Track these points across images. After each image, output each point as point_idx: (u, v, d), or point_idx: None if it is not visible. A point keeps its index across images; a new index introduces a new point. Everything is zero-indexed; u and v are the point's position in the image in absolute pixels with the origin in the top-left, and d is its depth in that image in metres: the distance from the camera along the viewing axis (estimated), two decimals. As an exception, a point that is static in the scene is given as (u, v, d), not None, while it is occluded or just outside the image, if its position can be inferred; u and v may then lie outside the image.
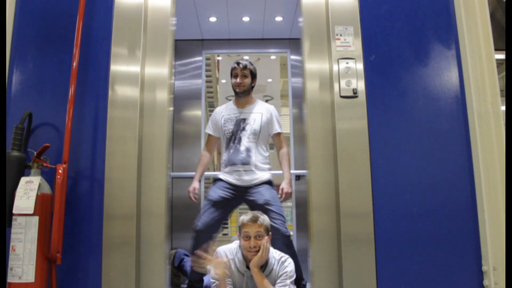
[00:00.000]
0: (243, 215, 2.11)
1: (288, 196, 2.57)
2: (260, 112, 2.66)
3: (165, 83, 2.16)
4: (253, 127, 2.61)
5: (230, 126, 2.65)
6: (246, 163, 2.56)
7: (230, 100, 2.85)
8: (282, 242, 2.37)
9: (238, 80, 2.64)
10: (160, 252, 2.01)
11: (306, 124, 2.15)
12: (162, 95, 2.15)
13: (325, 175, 2.07)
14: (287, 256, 2.13)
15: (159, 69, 2.17)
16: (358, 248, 1.97)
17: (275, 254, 2.11)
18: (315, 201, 2.06)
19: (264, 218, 2.08)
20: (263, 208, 2.42)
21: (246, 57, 3.58)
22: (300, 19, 2.28)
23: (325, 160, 2.08)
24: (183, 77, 3.80)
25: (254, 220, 2.03)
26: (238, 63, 2.67)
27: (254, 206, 2.50)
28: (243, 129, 2.62)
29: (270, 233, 2.09)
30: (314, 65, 2.20)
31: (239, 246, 2.09)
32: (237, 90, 2.67)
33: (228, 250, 2.12)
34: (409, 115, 2.10)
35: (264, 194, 2.50)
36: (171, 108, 2.24)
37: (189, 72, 3.81)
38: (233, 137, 2.62)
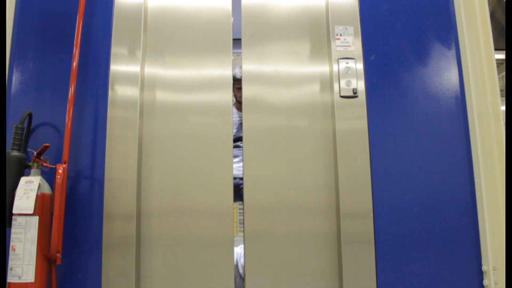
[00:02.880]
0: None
1: None
2: None
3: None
4: None
5: (233, 130, 2.71)
6: None
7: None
8: None
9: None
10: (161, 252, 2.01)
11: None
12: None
13: (325, 175, 2.07)
14: None
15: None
16: (358, 248, 1.97)
17: None
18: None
19: None
20: None
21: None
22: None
23: (325, 159, 2.08)
24: (183, 77, 3.80)
25: None
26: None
27: None
28: None
29: None
30: (314, 65, 2.20)
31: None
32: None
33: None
34: (409, 115, 2.11)
35: None
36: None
37: (189, 72, 3.81)
38: (236, 140, 2.67)
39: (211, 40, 2.19)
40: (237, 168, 2.56)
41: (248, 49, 2.18)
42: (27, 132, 2.00)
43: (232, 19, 2.23)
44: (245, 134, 2.10)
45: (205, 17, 2.22)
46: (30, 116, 2.00)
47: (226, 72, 2.15)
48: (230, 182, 2.05)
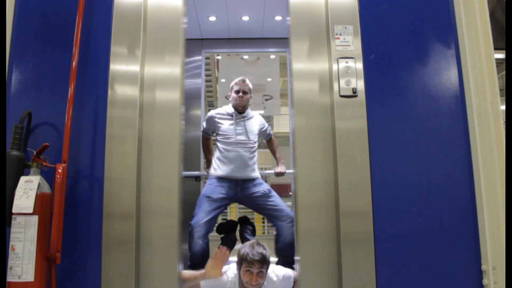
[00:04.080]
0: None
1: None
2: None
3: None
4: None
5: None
6: None
7: (229, 99, 2.99)
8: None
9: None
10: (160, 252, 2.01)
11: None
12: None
13: (325, 174, 2.07)
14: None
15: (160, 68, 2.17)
16: (357, 247, 1.97)
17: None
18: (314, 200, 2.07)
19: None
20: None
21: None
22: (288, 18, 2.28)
23: (325, 159, 2.08)
24: (182, 76, 3.80)
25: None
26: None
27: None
28: None
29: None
30: (314, 64, 2.20)
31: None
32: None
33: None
34: (409, 114, 2.11)
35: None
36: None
37: (188, 71, 3.81)
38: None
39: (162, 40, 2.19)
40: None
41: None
42: (26, 132, 2.00)
43: (183, 19, 2.21)
44: (296, 135, 2.09)
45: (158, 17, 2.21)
46: (29, 115, 2.00)
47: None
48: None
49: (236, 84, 2.96)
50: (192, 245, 2.49)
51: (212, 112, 2.99)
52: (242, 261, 1.94)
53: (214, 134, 2.97)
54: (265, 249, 1.98)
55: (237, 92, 2.92)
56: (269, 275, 2.03)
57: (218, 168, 2.76)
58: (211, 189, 2.69)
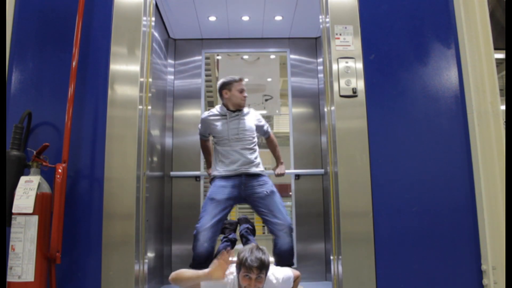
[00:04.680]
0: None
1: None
2: None
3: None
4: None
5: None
6: None
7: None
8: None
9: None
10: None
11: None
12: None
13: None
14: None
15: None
16: (357, 247, 1.97)
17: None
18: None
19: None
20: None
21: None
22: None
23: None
24: (182, 76, 3.79)
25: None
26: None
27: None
28: None
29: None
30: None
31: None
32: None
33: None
34: (409, 114, 2.11)
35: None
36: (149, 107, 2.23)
37: (188, 71, 3.81)
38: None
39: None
40: None
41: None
42: (26, 132, 2.00)
43: (144, 17, 2.19)
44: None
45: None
46: (29, 115, 2.00)
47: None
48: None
49: (237, 82, 2.91)
50: (196, 247, 2.46)
51: (205, 114, 2.93)
52: (241, 265, 1.93)
53: (211, 135, 2.94)
54: (264, 254, 1.96)
55: (242, 91, 2.87)
56: (268, 277, 2.02)
57: (219, 169, 2.74)
58: (214, 190, 2.66)
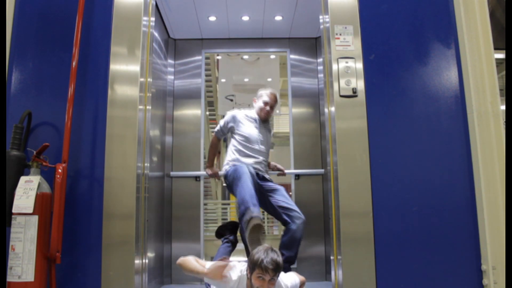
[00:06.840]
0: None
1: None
2: None
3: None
4: None
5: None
6: None
7: (229, 99, 2.96)
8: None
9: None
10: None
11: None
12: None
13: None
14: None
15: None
16: (357, 247, 1.97)
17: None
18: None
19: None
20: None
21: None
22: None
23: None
24: (182, 76, 3.79)
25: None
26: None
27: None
28: None
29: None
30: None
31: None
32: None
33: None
34: (409, 114, 2.11)
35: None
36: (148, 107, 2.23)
37: (188, 71, 3.81)
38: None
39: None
40: None
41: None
42: (26, 132, 2.00)
43: (144, 17, 2.19)
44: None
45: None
46: (29, 115, 2.00)
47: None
48: None
49: (266, 94, 2.92)
50: (245, 214, 2.36)
51: (238, 112, 2.96)
52: (255, 266, 1.91)
53: (229, 134, 2.95)
54: (278, 256, 1.95)
55: (266, 103, 2.90)
56: (279, 282, 2.02)
57: (239, 156, 2.79)
58: (238, 169, 2.58)
